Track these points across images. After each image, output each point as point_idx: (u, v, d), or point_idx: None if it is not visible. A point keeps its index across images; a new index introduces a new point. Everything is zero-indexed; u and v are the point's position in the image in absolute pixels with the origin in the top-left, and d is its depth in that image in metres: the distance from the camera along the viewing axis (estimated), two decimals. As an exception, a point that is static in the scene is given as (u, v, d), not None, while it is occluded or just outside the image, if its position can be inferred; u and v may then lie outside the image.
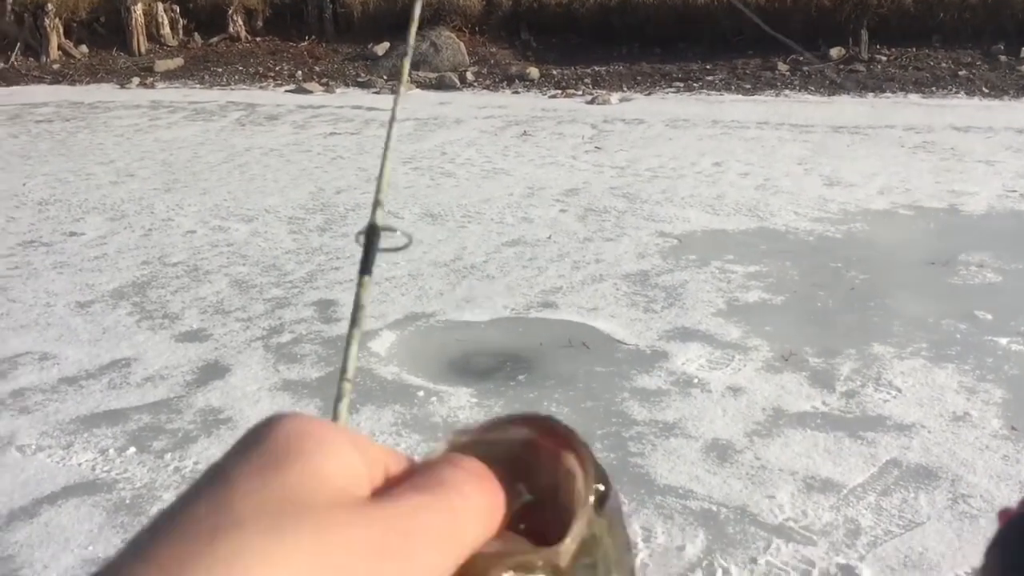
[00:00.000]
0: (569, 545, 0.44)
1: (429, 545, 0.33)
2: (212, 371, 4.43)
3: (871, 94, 14.45)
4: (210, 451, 3.69)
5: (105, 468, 3.61)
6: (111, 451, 3.73)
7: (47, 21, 17.54)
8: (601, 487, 0.48)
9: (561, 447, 0.45)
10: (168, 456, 3.68)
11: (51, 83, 16.80)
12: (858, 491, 3.31)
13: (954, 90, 14.48)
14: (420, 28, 17.06)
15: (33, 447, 3.78)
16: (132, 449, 3.74)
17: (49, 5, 17.46)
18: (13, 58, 17.39)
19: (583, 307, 5.21)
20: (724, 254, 6.17)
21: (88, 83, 16.75)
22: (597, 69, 16.17)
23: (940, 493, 3.29)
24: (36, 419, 4.01)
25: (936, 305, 5.11)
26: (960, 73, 15.15)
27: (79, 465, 3.64)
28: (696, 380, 4.25)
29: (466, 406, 4.04)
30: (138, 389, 4.26)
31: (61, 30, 17.95)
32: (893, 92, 14.51)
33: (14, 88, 16.28)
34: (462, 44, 16.94)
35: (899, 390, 4.11)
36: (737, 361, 4.46)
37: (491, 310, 5.17)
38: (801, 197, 7.79)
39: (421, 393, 4.16)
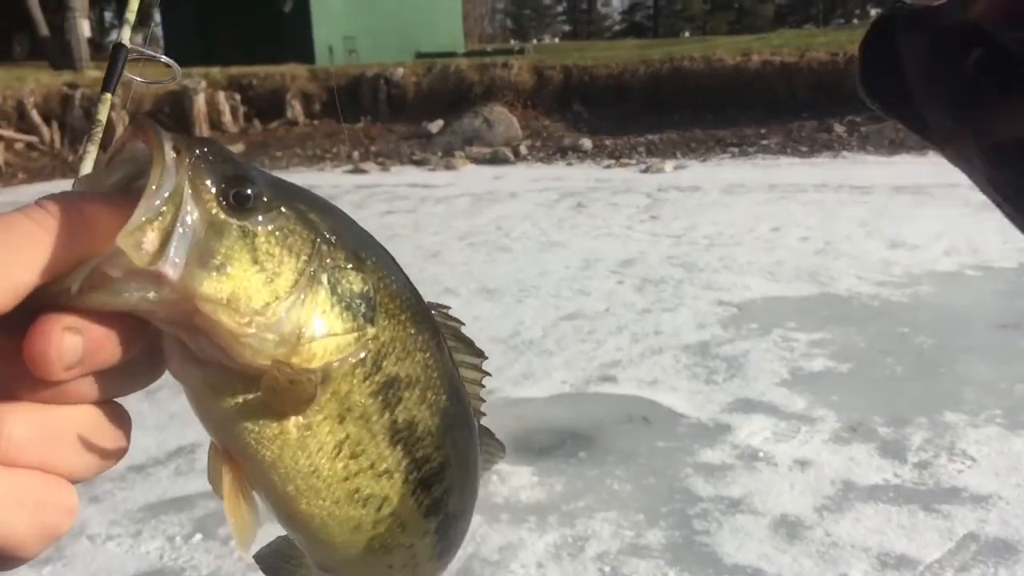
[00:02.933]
0: (133, 227, 0.43)
1: None
2: (275, 455, 4.47)
3: (932, 152, 14.27)
4: (272, 535, 3.70)
5: (172, 556, 3.65)
6: (178, 538, 3.77)
7: (113, 114, 18.25)
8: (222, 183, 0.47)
9: (136, 140, 0.46)
10: (233, 543, 3.70)
11: (122, 172, 17.47)
12: (935, 567, 3.19)
13: (1017, 145, 14.27)
14: (473, 105, 17.53)
15: (103, 536, 3.84)
16: (198, 536, 3.78)
17: (115, 99, 18.22)
18: (82, 151, 18.14)
19: (643, 380, 5.17)
20: (786, 321, 6.09)
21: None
22: (650, 137, 16.28)
23: (1021, 567, 3.15)
24: (106, 508, 4.07)
25: (1009, 369, 4.96)
26: None
27: (147, 553, 3.68)
28: (761, 453, 4.17)
29: (527, 485, 4.01)
30: (203, 475, 4.28)
31: (127, 121, 18.66)
32: (953, 149, 14.33)
33: (87, 179, 16.95)
34: (515, 118, 17.23)
35: (974, 459, 3.97)
36: (803, 433, 4.36)
37: (550, 386, 5.15)
38: (864, 260, 7.68)
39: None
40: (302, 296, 0.48)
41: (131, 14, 0.56)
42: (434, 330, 0.58)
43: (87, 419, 0.46)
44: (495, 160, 15.90)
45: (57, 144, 17.64)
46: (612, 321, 6.33)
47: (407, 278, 0.56)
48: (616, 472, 4.07)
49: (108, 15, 50.60)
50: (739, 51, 17.90)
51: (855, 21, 35.24)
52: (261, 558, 0.70)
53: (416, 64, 20.21)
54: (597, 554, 3.39)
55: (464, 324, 0.63)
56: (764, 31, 32.25)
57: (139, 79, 0.58)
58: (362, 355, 0.51)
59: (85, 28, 23.10)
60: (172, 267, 0.44)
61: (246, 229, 0.47)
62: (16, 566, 0.47)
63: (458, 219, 10.63)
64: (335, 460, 0.52)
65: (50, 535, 0.45)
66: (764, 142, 15.69)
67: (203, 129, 18.77)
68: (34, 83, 18.29)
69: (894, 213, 9.76)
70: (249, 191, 0.47)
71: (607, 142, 16.37)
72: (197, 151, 0.46)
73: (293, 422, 0.50)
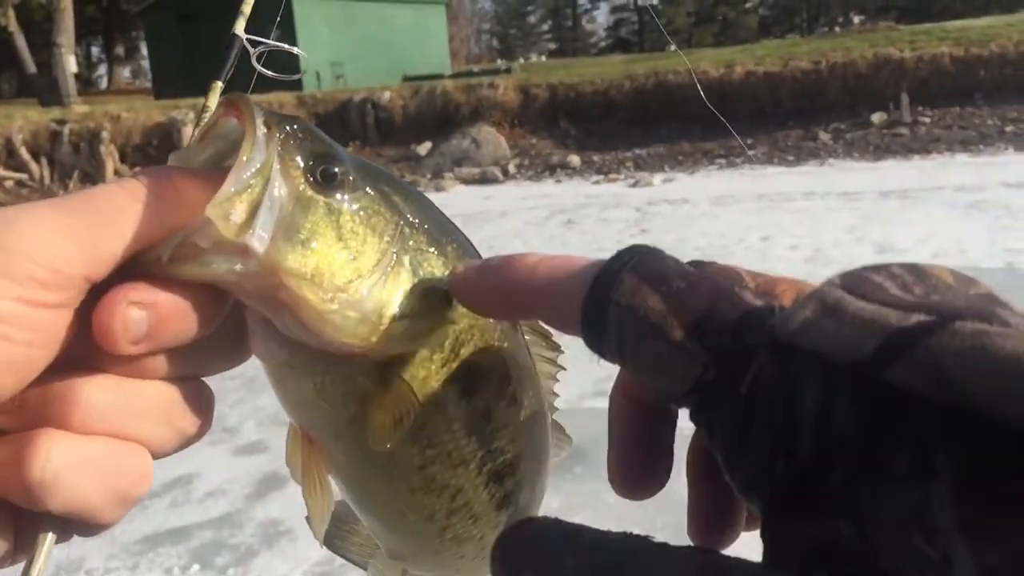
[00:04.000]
0: (222, 198, 0.44)
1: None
2: (271, 483, 4.47)
3: (917, 156, 14.37)
4: (271, 564, 3.71)
5: (170, 587, 3.65)
6: (175, 570, 3.77)
7: (103, 148, 18.32)
8: (321, 162, 0.48)
9: (230, 115, 0.47)
10: (231, 572, 3.71)
11: (112, 206, 17.48)
12: None
13: (1003, 147, 14.35)
14: (460, 126, 17.58)
15: (101, 570, 3.83)
16: (196, 566, 3.78)
17: (104, 133, 18.25)
18: (72, 186, 18.15)
19: (637, 394, 5.17)
20: (777, 330, 6.10)
21: (147, 203, 17.39)
22: (638, 152, 16.37)
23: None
24: (103, 541, 4.07)
25: (999, 369, 4.98)
26: (1007, 129, 15.03)
27: (145, 586, 3.68)
28: (756, 463, 4.17)
29: (524, 503, 4.01)
30: (200, 505, 4.32)
31: (116, 155, 18.73)
32: (940, 153, 14.43)
33: (78, 213, 16.97)
34: (502, 138, 17.32)
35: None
36: (797, 440, 4.37)
37: (544, 403, 5.16)
38: (853, 266, 7.58)
39: (478, 493, 4.14)
40: (384, 276, 0.48)
41: (247, 5, 0.56)
42: (517, 327, 0.57)
43: (167, 394, 0.47)
44: (484, 180, 15.96)
45: (47, 180, 17.66)
46: (604, 336, 6.34)
47: None
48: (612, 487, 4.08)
49: (95, 50, 50.73)
50: (723, 63, 18.02)
51: (837, 29, 35.48)
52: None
53: (403, 87, 20.30)
54: (594, 569, 3.39)
55: None
56: (749, 42, 32.46)
57: (269, 72, 0.58)
58: (441, 340, 0.51)
59: (72, 64, 23.18)
60: (259, 240, 0.44)
61: (331, 206, 0.48)
62: (97, 532, 0.48)
63: (449, 240, 10.66)
64: (412, 446, 0.52)
65: (125, 500, 0.46)
66: (751, 152, 15.77)
67: (192, 160, 18.81)
68: (22, 120, 18.35)
69: (881, 218, 9.81)
70: (336, 169, 0.48)
71: (595, 158, 16.45)
72: (287, 127, 0.47)
73: (373, 410, 0.50)
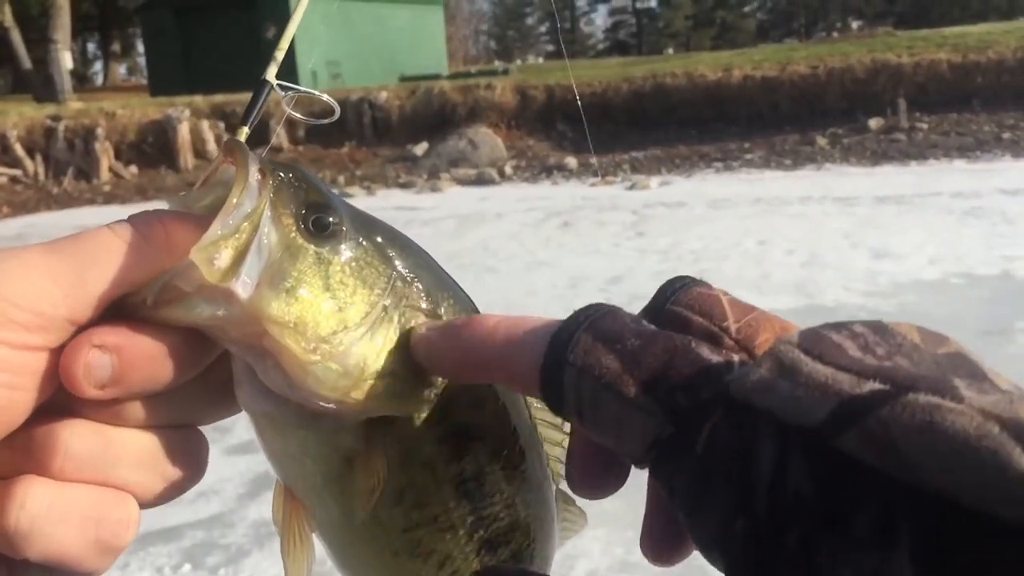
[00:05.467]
0: (207, 242, 0.43)
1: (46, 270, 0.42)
2: (263, 482, 4.45)
3: (914, 162, 14.39)
4: (263, 564, 3.68)
5: (160, 587, 3.62)
6: (166, 569, 3.75)
7: (97, 145, 18.28)
8: (311, 211, 0.47)
9: (228, 163, 0.46)
10: (222, 572, 3.68)
11: (103, 204, 17.41)
12: None
13: (1000, 153, 14.37)
14: (457, 126, 17.59)
15: (90, 569, 3.81)
16: (187, 566, 3.75)
17: (99, 130, 18.21)
18: (66, 183, 18.10)
19: (632, 397, 5.16)
20: (773, 334, 6.09)
21: (138, 202, 17.32)
22: (635, 155, 16.37)
23: None
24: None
25: (995, 376, 4.97)
26: (1004, 136, 15.06)
27: (135, 585, 3.65)
28: (751, 467, 4.17)
29: (517, 506, 4.00)
30: (191, 505, 4.29)
31: (111, 152, 18.68)
32: (937, 159, 14.45)
33: (68, 211, 16.91)
34: (499, 139, 17.31)
35: (963, 468, 3.98)
36: (792, 445, 4.36)
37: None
38: (849, 271, 7.72)
39: (472, 495, 4.13)
40: (371, 330, 0.47)
41: (280, 52, 0.55)
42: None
43: (152, 442, 0.47)
44: (480, 181, 15.94)
45: (41, 177, 17.61)
46: (600, 338, 6.32)
47: None
48: (606, 490, 4.06)
49: (91, 46, 50.66)
50: (721, 67, 18.03)
51: (835, 34, 35.54)
52: None
53: (400, 87, 20.29)
54: (587, 572, 3.38)
55: None
56: (746, 46, 32.50)
57: (299, 116, 0.57)
58: (429, 399, 0.49)
59: (67, 60, 23.14)
60: (243, 286, 0.44)
61: (322, 256, 0.47)
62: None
63: (445, 241, 10.65)
64: (396, 507, 0.50)
65: (108, 550, 0.45)
66: (748, 156, 15.78)
67: (187, 158, 18.80)
68: (17, 116, 18.30)
69: (878, 224, 9.81)
70: (331, 219, 0.47)
71: (592, 160, 16.44)
72: (282, 174, 0.47)
73: (350, 467, 0.49)
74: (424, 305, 0.50)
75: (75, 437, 0.44)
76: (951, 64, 16.43)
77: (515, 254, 9.74)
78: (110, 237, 0.45)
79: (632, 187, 14.15)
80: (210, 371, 0.48)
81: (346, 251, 0.48)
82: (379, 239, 0.50)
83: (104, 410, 0.45)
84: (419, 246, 0.53)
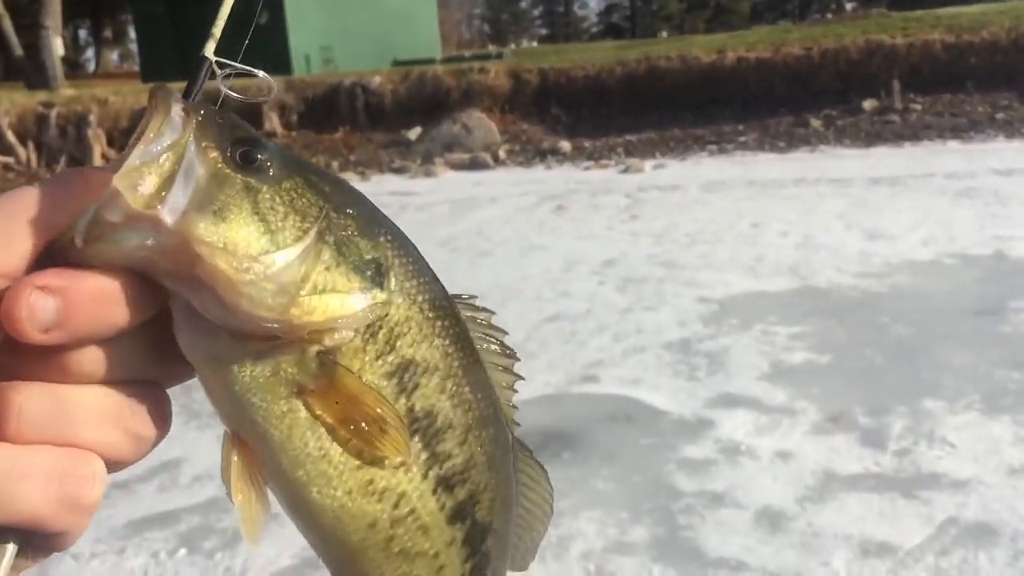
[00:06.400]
0: (129, 168, 0.43)
1: None
2: (259, 467, 4.46)
3: (908, 143, 14.38)
4: (259, 548, 3.70)
5: (157, 571, 3.64)
6: (162, 554, 3.76)
7: (90, 132, 18.19)
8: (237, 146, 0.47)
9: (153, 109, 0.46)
10: (218, 556, 3.70)
11: (100, 190, 17.37)
12: (916, 553, 3.21)
13: (993, 134, 14.37)
14: (451, 111, 17.53)
15: (87, 554, 3.82)
16: (183, 551, 3.77)
17: (92, 116, 18.12)
18: (59, 169, 18.01)
19: (625, 379, 5.18)
20: (766, 316, 6.12)
21: (136, 187, 17.27)
22: (629, 138, 16.34)
23: (1000, 550, 3.18)
24: (89, 526, 4.06)
25: (987, 355, 5.00)
26: (998, 116, 15.05)
27: (132, 570, 3.66)
28: (743, 447, 4.19)
29: (512, 488, 4.01)
30: (187, 490, 4.30)
31: (104, 139, 18.59)
32: (931, 140, 14.44)
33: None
34: (493, 123, 17.26)
35: (953, 445, 4.01)
36: (785, 425, 4.39)
37: (533, 388, 5.16)
38: (843, 253, 7.73)
39: (466, 477, 4.14)
40: (304, 250, 0.47)
41: (217, 28, 0.55)
42: (458, 321, 0.55)
43: (111, 399, 0.47)
44: (474, 165, 15.91)
45: (34, 164, 17.54)
46: (594, 322, 6.34)
47: (429, 267, 0.54)
48: (600, 471, 4.09)
49: (83, 33, 50.35)
50: (714, 49, 17.98)
51: (829, 16, 35.42)
52: None
53: (393, 72, 20.21)
54: (582, 553, 3.40)
55: (494, 313, 0.60)
56: (740, 28, 32.40)
57: (234, 93, 0.56)
58: (371, 322, 0.49)
59: (59, 46, 23.00)
60: (170, 212, 0.44)
61: (251, 185, 0.47)
62: (61, 543, 0.48)
63: (439, 225, 10.64)
64: (346, 444, 0.50)
65: (76, 507, 0.46)
66: (742, 139, 15.76)
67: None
68: (8, 103, 18.20)
69: (872, 205, 9.82)
70: (258, 155, 0.48)
71: (586, 144, 16.41)
72: (205, 111, 0.47)
73: (300, 404, 0.49)
74: (360, 234, 0.50)
75: (29, 399, 0.44)
76: (945, 45, 16.40)
77: (509, 238, 9.74)
78: (29, 192, 0.45)
79: (626, 170, 14.13)
80: (160, 324, 0.48)
81: (276, 182, 0.48)
82: (312, 176, 0.50)
83: (54, 366, 0.45)
84: (354, 187, 0.53)
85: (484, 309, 0.59)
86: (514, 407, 0.61)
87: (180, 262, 0.45)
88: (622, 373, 5.28)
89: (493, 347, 0.59)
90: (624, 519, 3.63)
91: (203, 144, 0.46)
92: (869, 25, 18.88)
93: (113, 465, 0.48)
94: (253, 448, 0.50)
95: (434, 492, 0.54)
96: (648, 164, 14.42)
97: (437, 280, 0.54)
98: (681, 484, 3.90)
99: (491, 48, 34.99)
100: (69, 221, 0.44)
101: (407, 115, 17.97)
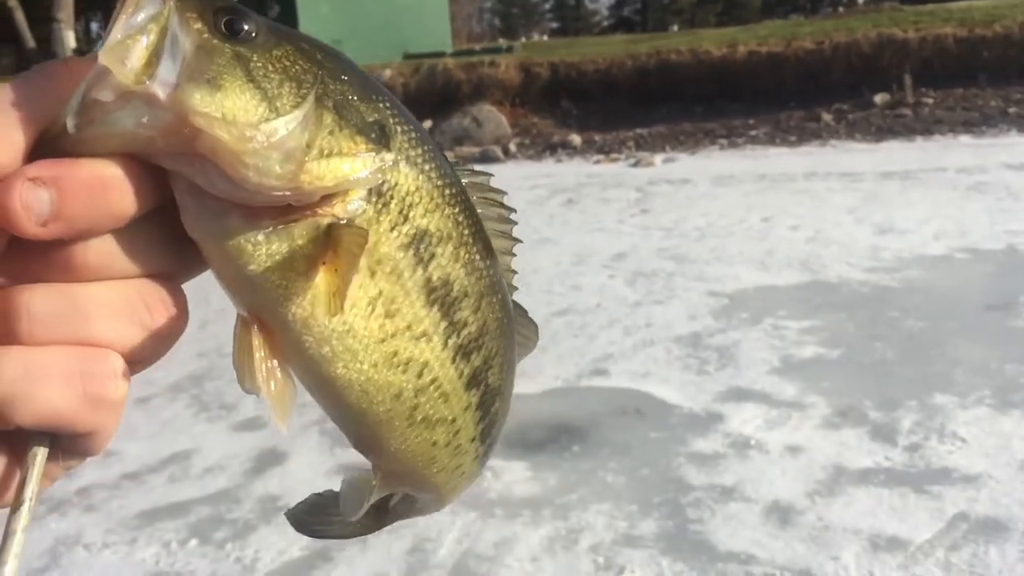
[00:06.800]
0: (113, 42, 0.41)
1: None
2: (269, 459, 4.48)
3: (919, 137, 14.31)
4: (270, 539, 3.71)
5: (168, 561, 3.66)
6: (174, 544, 3.78)
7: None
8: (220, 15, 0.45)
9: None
10: (229, 546, 3.71)
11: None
12: (926, 548, 3.21)
13: (1005, 128, 14.28)
14: (461, 104, 17.54)
15: (99, 544, 3.84)
16: (194, 541, 3.79)
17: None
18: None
19: (635, 373, 5.18)
20: (777, 310, 6.11)
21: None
22: (639, 132, 16.30)
23: (1011, 545, 3.17)
24: (101, 516, 4.08)
25: (998, 350, 4.98)
26: (1010, 110, 14.97)
27: (143, 560, 3.68)
28: (753, 441, 4.18)
29: (521, 480, 4.02)
30: (198, 481, 4.32)
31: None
32: (942, 134, 14.36)
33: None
34: (503, 117, 17.25)
35: (964, 440, 4.00)
36: (795, 419, 4.38)
37: (542, 382, 5.16)
38: (853, 247, 7.71)
39: (476, 470, 4.15)
40: (304, 115, 0.46)
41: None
42: (463, 188, 0.55)
43: (122, 292, 0.46)
44: (485, 159, 15.91)
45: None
46: (604, 315, 6.34)
47: (428, 134, 0.53)
48: (609, 464, 4.09)
49: (95, 26, 50.57)
50: (725, 43, 17.92)
51: (841, 9, 35.25)
52: (293, 515, 0.69)
53: (404, 65, 20.21)
54: (591, 546, 3.40)
55: (492, 176, 0.60)
56: (752, 22, 32.28)
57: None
58: (381, 183, 0.49)
59: (71, 39, 23.07)
60: (162, 86, 0.43)
61: (240, 53, 0.45)
62: (89, 447, 0.48)
63: (449, 219, 10.63)
64: (370, 318, 0.50)
65: (100, 403, 0.45)
66: (753, 132, 15.71)
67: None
68: (21, 96, 18.25)
69: (883, 199, 9.79)
70: (245, 24, 0.46)
71: (596, 137, 16.39)
72: None
73: (322, 275, 0.48)
74: (359, 98, 0.49)
75: (36, 299, 0.43)
76: (957, 39, 16.31)
77: (519, 231, 9.65)
78: (10, 85, 0.44)
79: (636, 164, 14.10)
80: (169, 214, 0.47)
81: (266, 50, 0.47)
82: (302, 44, 0.49)
83: (60, 263, 0.44)
84: (349, 58, 0.52)
85: (483, 173, 0.59)
86: (513, 271, 0.62)
87: (179, 139, 0.43)
88: (632, 367, 5.28)
89: (493, 211, 0.60)
90: (633, 512, 3.64)
91: (185, 15, 0.44)
92: (881, 19, 18.77)
93: (134, 364, 0.47)
94: (273, 329, 0.49)
95: (453, 360, 0.54)
96: (658, 158, 14.39)
97: (438, 147, 0.54)
98: (690, 478, 3.90)
99: (502, 41, 34.93)
100: (56, 110, 0.43)
101: (418, 108, 17.94)
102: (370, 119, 0.49)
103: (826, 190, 10.66)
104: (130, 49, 0.42)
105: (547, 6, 75.54)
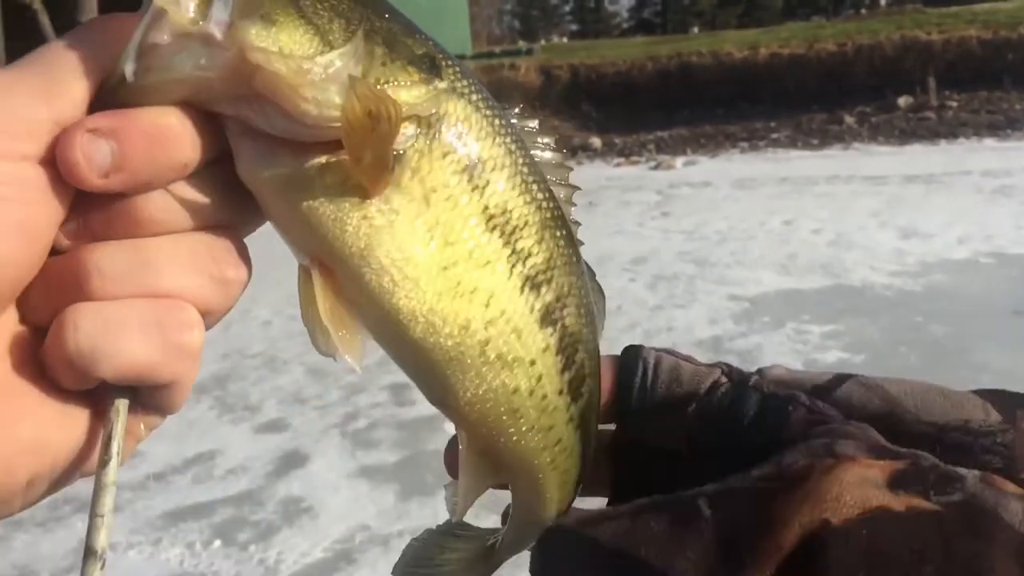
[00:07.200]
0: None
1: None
2: (292, 460, 4.50)
3: (943, 140, 14.21)
4: (292, 541, 3.73)
5: (193, 562, 3.68)
6: (197, 545, 3.80)
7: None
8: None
9: None
10: (252, 548, 3.73)
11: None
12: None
13: (1030, 131, 14.17)
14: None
15: (124, 544, 3.87)
16: (218, 542, 3.81)
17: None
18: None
19: (657, 377, 5.16)
20: (799, 315, 6.08)
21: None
22: (660, 134, 16.28)
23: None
24: (126, 516, 4.11)
25: (1025, 356, 4.94)
26: (1034, 113, 14.83)
27: (167, 560, 3.71)
28: (777, 447, 4.16)
29: (543, 484, 4.02)
30: (222, 482, 4.35)
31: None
32: (967, 137, 14.25)
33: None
34: (525, 120, 17.26)
35: (991, 448, 3.96)
36: (818, 425, 4.35)
37: (564, 385, 5.16)
38: (877, 251, 7.66)
39: (498, 473, 4.15)
40: (355, 47, 0.46)
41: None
42: (509, 119, 0.54)
43: (187, 245, 0.46)
44: (505, 161, 15.93)
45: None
46: (624, 319, 6.33)
47: (471, 71, 0.54)
48: (631, 469, 4.08)
49: (118, 29, 50.98)
50: (747, 45, 17.86)
51: (863, 11, 35.04)
52: (399, 570, 0.67)
53: (424, 68, 20.24)
54: (613, 551, 3.40)
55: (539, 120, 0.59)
56: (773, 24, 32.16)
57: None
58: (435, 111, 0.49)
59: (95, 42, 23.27)
60: (217, 25, 0.43)
61: None
62: (169, 401, 0.48)
63: (469, 221, 10.66)
64: (428, 246, 0.50)
65: (180, 351, 0.46)
66: (774, 135, 15.65)
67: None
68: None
69: (906, 203, 9.72)
70: None
71: (616, 140, 16.37)
72: None
73: (376, 206, 0.48)
74: (405, 34, 0.50)
75: (104, 257, 0.44)
76: (981, 41, 16.19)
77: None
78: (67, 40, 0.44)
79: (657, 167, 14.08)
80: (226, 166, 0.47)
81: None
82: None
83: (124, 218, 0.44)
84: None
85: (531, 116, 0.58)
86: (576, 222, 0.60)
87: (237, 79, 0.44)
88: (653, 371, 5.26)
89: (548, 154, 0.58)
90: (656, 517, 3.63)
91: None
92: (904, 21, 18.66)
93: (205, 315, 0.47)
94: (333, 268, 0.49)
95: (521, 291, 0.53)
96: (679, 161, 14.36)
97: (483, 84, 0.54)
98: (713, 483, 3.88)
99: (521, 44, 34.97)
100: (113, 63, 0.43)
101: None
102: (419, 52, 0.49)
103: (849, 193, 10.60)
104: None
105: (567, 8, 75.59)
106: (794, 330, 5.76)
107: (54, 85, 0.43)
